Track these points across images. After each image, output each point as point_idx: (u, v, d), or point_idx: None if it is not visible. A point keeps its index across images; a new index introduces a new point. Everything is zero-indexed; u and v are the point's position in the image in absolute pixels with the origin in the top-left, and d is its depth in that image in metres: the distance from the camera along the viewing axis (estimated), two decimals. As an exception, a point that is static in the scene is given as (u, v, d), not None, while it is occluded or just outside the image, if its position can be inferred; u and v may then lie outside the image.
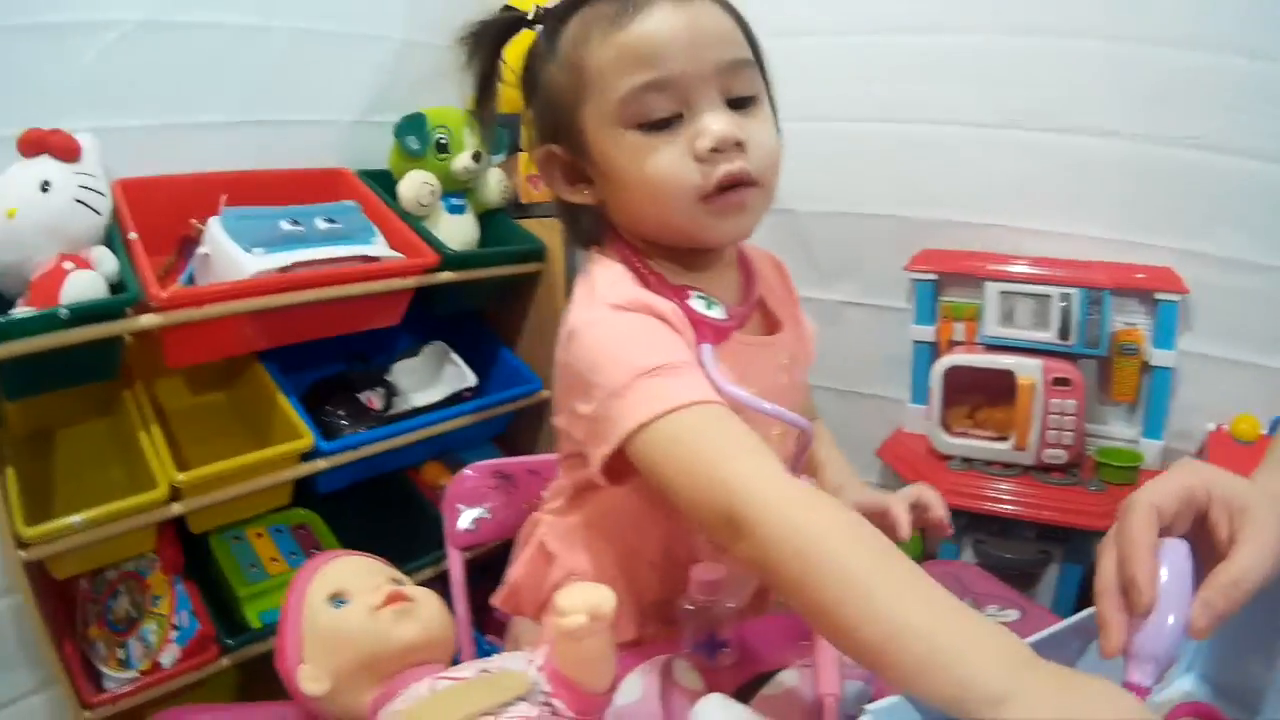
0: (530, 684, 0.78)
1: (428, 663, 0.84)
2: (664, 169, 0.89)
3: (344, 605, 0.85)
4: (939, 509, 1.06)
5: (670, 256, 0.98)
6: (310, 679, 0.84)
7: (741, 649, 0.97)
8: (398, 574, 0.92)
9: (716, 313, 0.95)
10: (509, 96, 2.14)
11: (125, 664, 1.56)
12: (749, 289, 1.04)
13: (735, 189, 0.89)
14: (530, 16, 1.00)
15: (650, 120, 0.89)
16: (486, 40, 1.00)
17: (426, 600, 0.87)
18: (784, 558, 0.69)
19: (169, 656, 1.55)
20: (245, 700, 1.86)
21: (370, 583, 0.87)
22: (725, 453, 0.77)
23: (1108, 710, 0.56)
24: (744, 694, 0.90)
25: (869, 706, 0.69)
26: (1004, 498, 1.76)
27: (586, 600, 0.73)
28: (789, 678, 0.94)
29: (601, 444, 0.84)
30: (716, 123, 0.87)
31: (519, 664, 0.82)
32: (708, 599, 0.92)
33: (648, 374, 0.82)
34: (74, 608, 1.64)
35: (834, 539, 0.68)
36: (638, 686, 0.91)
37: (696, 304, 0.94)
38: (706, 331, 0.93)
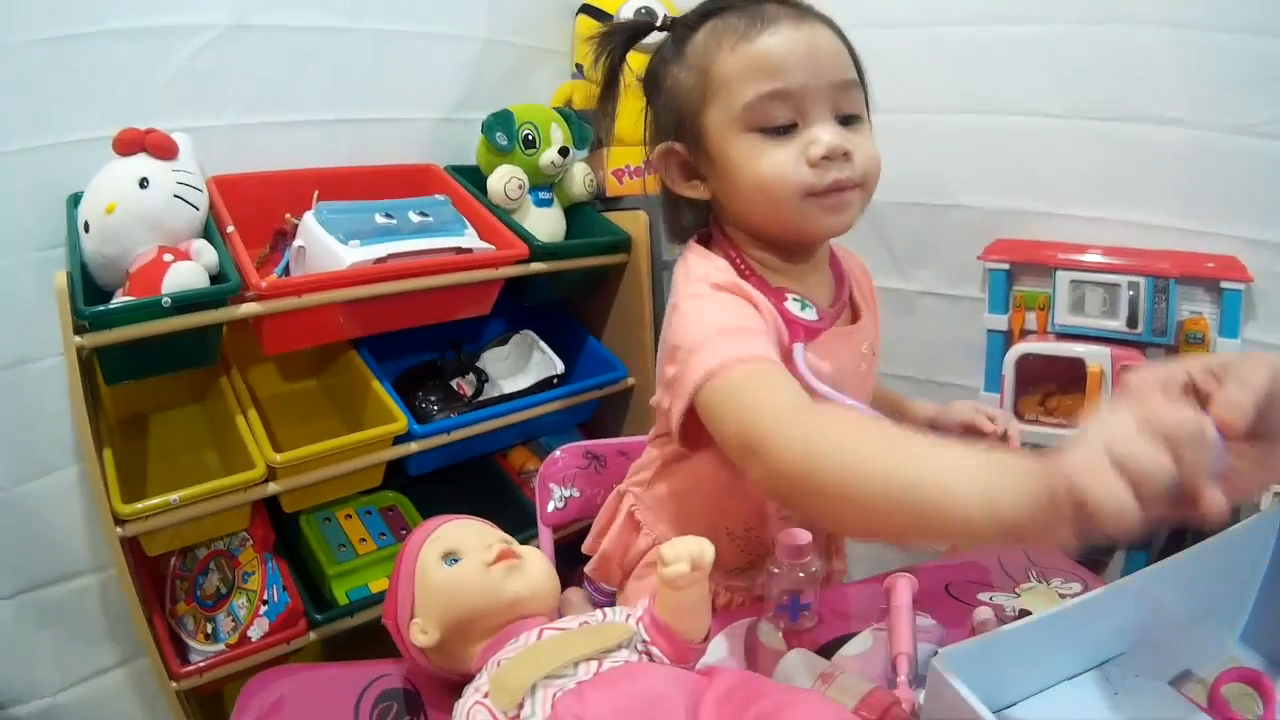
0: (630, 633, 0.85)
1: (533, 615, 0.90)
2: (777, 168, 0.99)
3: (457, 563, 0.92)
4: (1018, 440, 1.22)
5: (771, 250, 1.08)
6: (421, 631, 0.90)
7: (821, 614, 1.05)
8: (505, 535, 0.98)
9: (809, 314, 1.06)
10: (589, 93, 2.22)
11: (213, 638, 1.64)
12: (840, 289, 1.14)
13: (841, 190, 1.00)
14: (658, 23, 1.11)
15: (769, 125, 1.00)
16: (617, 42, 1.11)
17: (533, 558, 0.94)
18: (794, 462, 0.79)
19: (258, 630, 1.62)
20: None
21: (481, 542, 0.93)
22: (765, 397, 0.87)
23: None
24: (823, 654, 0.98)
25: (943, 649, 0.77)
26: (1073, 484, 1.79)
27: (689, 550, 0.80)
28: (865, 640, 1.01)
29: (679, 400, 0.94)
30: (828, 133, 0.98)
31: (618, 617, 0.89)
32: (793, 562, 1.00)
33: (722, 332, 0.94)
34: (162, 584, 1.73)
35: (838, 432, 0.80)
36: (724, 645, 1.00)
37: (792, 306, 1.05)
38: (799, 331, 1.04)
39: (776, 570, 1.00)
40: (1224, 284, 1.76)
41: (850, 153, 0.99)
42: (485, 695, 0.79)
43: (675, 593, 0.83)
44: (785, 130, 1.00)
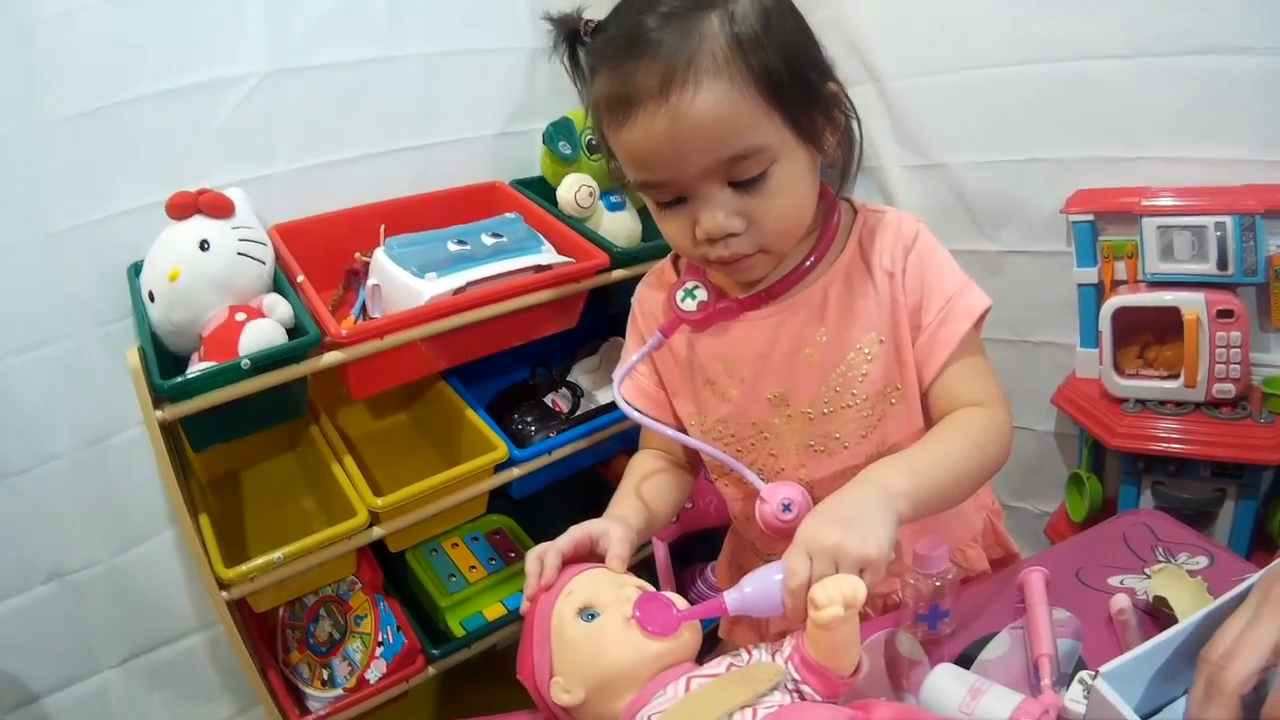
0: (781, 674, 0.86)
1: (679, 663, 0.91)
2: (674, 237, 1.05)
3: (595, 618, 0.92)
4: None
5: None
6: (564, 691, 0.91)
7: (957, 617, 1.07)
8: (640, 581, 0.98)
9: (688, 305, 1.12)
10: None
11: (330, 683, 1.68)
12: (794, 272, 1.11)
13: (736, 261, 1.03)
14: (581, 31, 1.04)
15: (659, 201, 1.03)
16: (559, 39, 1.06)
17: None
18: None
19: (375, 672, 1.66)
20: (446, 706, 2.00)
21: (618, 594, 0.94)
22: None
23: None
24: (963, 660, 1.00)
25: (1103, 668, 0.79)
26: (1178, 438, 1.78)
27: (841, 591, 0.80)
28: (1003, 642, 1.03)
29: None
30: (708, 217, 0.98)
31: (764, 656, 0.91)
32: (929, 572, 1.01)
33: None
34: (273, 636, 1.77)
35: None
36: (865, 662, 1.02)
37: (679, 296, 1.13)
38: (676, 321, 1.13)
39: (913, 580, 1.02)
40: (1311, 216, 1.71)
41: (736, 233, 0.99)
42: (637, 756, 0.80)
43: (827, 633, 0.83)
44: (676, 202, 1.01)
